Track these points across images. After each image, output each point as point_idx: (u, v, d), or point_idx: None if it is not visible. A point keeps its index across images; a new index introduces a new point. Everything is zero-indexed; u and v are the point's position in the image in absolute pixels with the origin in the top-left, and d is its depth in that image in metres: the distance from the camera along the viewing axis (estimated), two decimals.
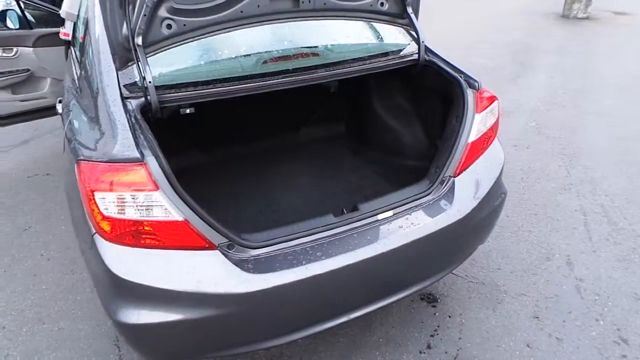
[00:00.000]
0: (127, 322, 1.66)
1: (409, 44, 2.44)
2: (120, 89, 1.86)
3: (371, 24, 2.41)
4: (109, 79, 1.91)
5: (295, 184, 2.71)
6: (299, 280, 1.75)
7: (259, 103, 2.98)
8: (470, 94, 2.18)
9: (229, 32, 1.94)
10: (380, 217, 2.00)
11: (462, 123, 2.15)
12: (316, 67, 2.15)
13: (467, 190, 2.15)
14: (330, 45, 2.26)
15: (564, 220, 3.43)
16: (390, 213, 2.02)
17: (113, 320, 1.71)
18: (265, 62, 2.09)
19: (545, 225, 3.37)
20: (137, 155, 1.59)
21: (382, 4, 2.21)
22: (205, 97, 1.94)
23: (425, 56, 2.38)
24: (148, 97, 1.79)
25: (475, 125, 2.17)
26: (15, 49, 3.84)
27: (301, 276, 1.76)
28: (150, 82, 1.77)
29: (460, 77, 2.24)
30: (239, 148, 3.07)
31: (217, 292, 1.67)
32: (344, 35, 2.39)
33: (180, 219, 1.65)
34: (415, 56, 2.33)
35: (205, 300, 1.67)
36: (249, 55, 2.08)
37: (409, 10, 2.26)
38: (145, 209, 1.61)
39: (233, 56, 2.05)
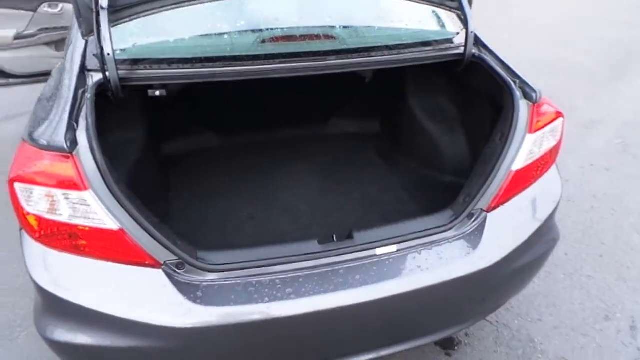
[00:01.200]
0: (43, 334, 1.41)
1: (457, 33, 1.92)
2: (84, 58, 1.57)
3: (411, 2, 1.91)
4: (75, 46, 1.62)
5: (300, 189, 2.33)
6: (255, 323, 1.39)
7: (284, 86, 2.61)
8: (523, 106, 1.66)
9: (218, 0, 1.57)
10: (379, 251, 1.58)
11: (507, 144, 1.64)
12: (330, 52, 1.72)
13: (501, 231, 1.66)
14: (352, 26, 1.81)
15: (636, 269, 2.77)
16: (393, 248, 1.59)
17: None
18: (263, 41, 1.69)
19: (612, 273, 2.73)
20: (63, 144, 1.28)
21: None
22: (180, 79, 1.60)
23: (475, 51, 1.86)
24: (106, 72, 1.47)
25: (525, 148, 1.65)
26: (60, 5, 3.75)
27: (259, 317, 1.40)
28: (109, 54, 1.45)
29: (514, 82, 1.72)
30: (255, 135, 2.73)
31: (149, 322, 1.36)
32: (373, 16, 1.92)
33: (115, 227, 1.34)
34: (461, 50, 1.82)
35: (135, 329, 1.36)
36: (243, 32, 1.69)
37: None
38: (73, 210, 1.31)
39: (222, 32, 1.66)
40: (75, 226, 1.32)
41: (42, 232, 1.34)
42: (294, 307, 1.42)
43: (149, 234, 1.38)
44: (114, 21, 1.52)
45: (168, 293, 1.39)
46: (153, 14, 1.58)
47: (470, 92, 2.10)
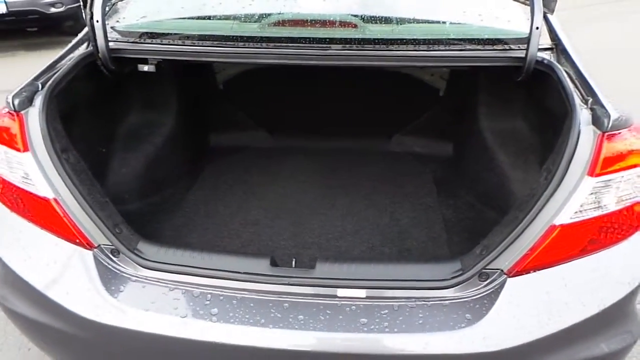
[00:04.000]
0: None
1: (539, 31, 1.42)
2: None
3: None
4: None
5: (325, 204, 2.00)
6: (160, 337, 1.18)
7: (350, 93, 2.36)
8: (587, 134, 1.13)
9: None
10: (341, 293, 1.23)
11: (552, 186, 1.13)
12: (347, 41, 1.42)
13: (524, 306, 1.16)
14: (379, 15, 1.47)
15: None
16: (361, 293, 1.22)
17: None
18: (270, 24, 1.48)
19: None
20: (11, 100, 1.25)
21: None
22: (173, 55, 1.48)
23: (546, 56, 1.37)
24: (96, 40, 1.43)
25: (580, 196, 1.12)
26: None
27: (168, 332, 1.18)
28: (98, 21, 1.39)
29: (586, 101, 1.19)
30: (309, 140, 2.50)
31: (62, 303, 1.24)
32: (410, 3, 1.55)
33: (49, 196, 1.26)
34: (522, 52, 1.35)
35: (51, 307, 1.27)
36: (249, 13, 1.50)
37: None
38: (10, 169, 1.27)
39: (225, 11, 1.50)
40: (15, 186, 1.28)
41: None
42: (208, 332, 1.17)
43: (85, 211, 1.27)
44: None
45: (90, 279, 1.27)
46: None
47: (546, 115, 1.57)
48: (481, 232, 1.78)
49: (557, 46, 1.41)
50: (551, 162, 1.20)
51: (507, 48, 1.39)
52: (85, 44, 1.53)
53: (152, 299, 1.24)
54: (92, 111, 1.75)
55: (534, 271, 1.18)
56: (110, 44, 1.47)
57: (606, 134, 1.11)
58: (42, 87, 1.32)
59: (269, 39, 1.41)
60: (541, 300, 1.16)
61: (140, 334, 1.19)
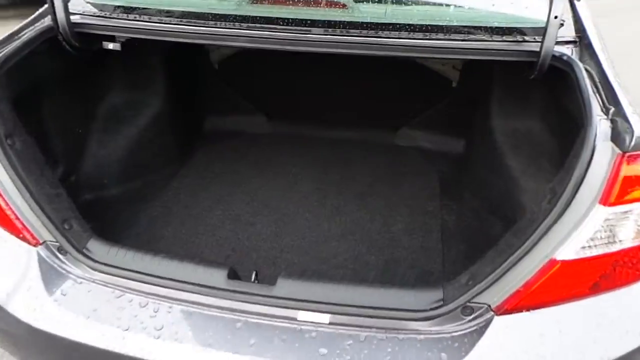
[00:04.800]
0: None
1: (562, 22, 1.19)
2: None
3: None
4: None
5: (314, 203, 1.84)
6: (96, 351, 1.06)
7: (356, 79, 2.16)
8: (603, 152, 0.92)
9: None
10: (302, 316, 1.08)
11: (555, 211, 0.94)
12: (335, 24, 1.23)
13: (511, 351, 0.98)
14: None
15: None
16: (324, 318, 1.07)
17: None
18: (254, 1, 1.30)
19: None
20: None
21: None
22: (141, 33, 1.32)
23: (566, 50, 1.15)
24: (55, 13, 1.28)
25: (590, 226, 0.92)
26: None
27: (105, 346, 1.06)
28: None
29: (607, 111, 0.98)
30: (310, 128, 2.32)
31: (1, 303, 1.14)
32: None
33: None
34: (537, 45, 1.12)
35: None
36: None
37: None
38: None
39: None
40: None
41: None
42: (147, 350, 1.04)
43: (29, 204, 1.15)
44: None
45: (31, 278, 1.16)
46: None
47: (567, 118, 1.35)
48: (480, 246, 1.59)
49: (582, 39, 1.18)
50: (558, 182, 1.00)
51: (520, 39, 1.17)
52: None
53: (95, 306, 1.13)
54: (66, 89, 1.63)
55: (527, 310, 1.00)
56: (74, 17, 1.32)
57: (627, 154, 0.90)
58: None
59: (242, 19, 1.23)
60: (532, 346, 0.98)
61: (76, 345, 1.08)
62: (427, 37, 1.17)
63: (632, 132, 0.89)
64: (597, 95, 1.03)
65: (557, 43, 1.16)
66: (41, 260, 1.18)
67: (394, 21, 1.20)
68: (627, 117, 0.93)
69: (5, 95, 1.20)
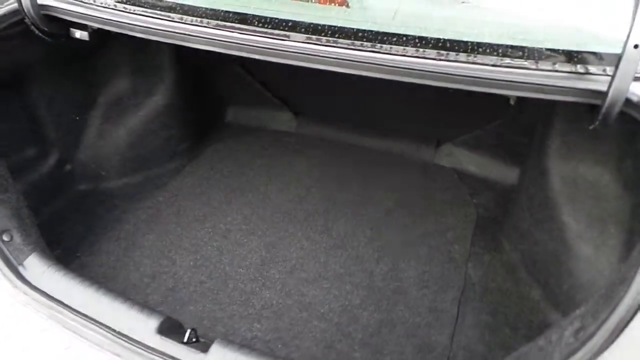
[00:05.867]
0: None
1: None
2: None
3: None
4: None
5: (318, 227, 1.57)
6: None
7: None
8: None
9: None
10: None
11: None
12: (331, 31, 0.95)
13: None
14: None
15: None
16: None
17: None
18: None
19: None
20: None
21: None
22: (103, 24, 1.14)
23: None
24: None
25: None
26: None
27: None
28: None
29: None
30: (341, 133, 2.04)
31: None
32: None
33: None
34: (604, 86, 0.76)
35: None
36: None
37: None
38: None
39: None
40: None
41: None
42: None
43: None
44: None
45: None
46: None
47: None
48: (509, 320, 1.27)
49: None
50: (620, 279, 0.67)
51: (581, 71, 0.81)
52: None
53: (17, 332, 0.99)
54: (60, 74, 1.51)
55: None
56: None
57: None
58: None
59: (212, 14, 0.99)
60: None
61: None
62: (446, 58, 0.85)
63: None
64: None
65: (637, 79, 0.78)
66: None
67: (404, 31, 0.88)
68: None
69: None
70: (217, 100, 2.09)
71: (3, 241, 1.08)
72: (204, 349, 0.91)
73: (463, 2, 0.99)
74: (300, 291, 1.35)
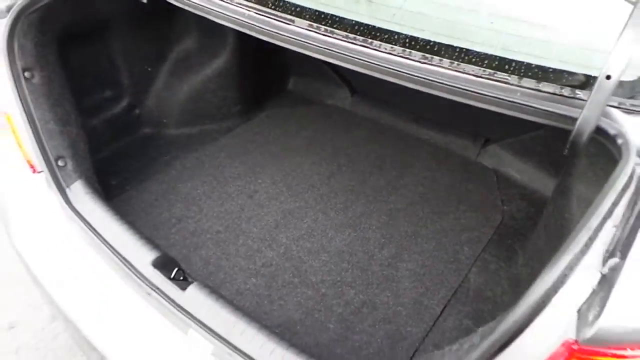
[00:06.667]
0: None
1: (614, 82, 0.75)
2: None
3: None
4: None
5: (338, 212, 1.63)
6: None
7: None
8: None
9: None
10: (190, 333, 1.00)
11: None
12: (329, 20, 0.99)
13: None
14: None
15: None
16: (208, 348, 0.98)
17: None
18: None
19: None
20: None
21: None
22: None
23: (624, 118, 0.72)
24: None
25: None
26: None
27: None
28: None
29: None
30: (390, 118, 2.05)
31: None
32: None
33: (7, 110, 1.29)
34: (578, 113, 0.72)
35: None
36: None
37: None
38: None
39: None
40: None
41: None
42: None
43: (29, 136, 1.27)
44: None
45: (25, 195, 1.32)
46: None
47: None
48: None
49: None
50: None
51: (566, 94, 0.76)
52: None
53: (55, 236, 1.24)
54: (139, 30, 1.71)
55: None
56: None
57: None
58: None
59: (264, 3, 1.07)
60: None
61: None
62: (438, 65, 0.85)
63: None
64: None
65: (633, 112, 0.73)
66: (34, 186, 1.31)
67: (395, 29, 0.90)
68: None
69: (35, 31, 1.29)
70: (280, 68, 2.20)
71: (58, 166, 1.30)
72: (183, 287, 1.05)
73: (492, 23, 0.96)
74: (300, 259, 1.45)
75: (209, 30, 1.86)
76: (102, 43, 1.64)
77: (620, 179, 0.64)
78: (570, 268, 0.61)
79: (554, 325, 0.63)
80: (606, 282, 0.61)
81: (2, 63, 1.25)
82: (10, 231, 1.32)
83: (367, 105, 2.13)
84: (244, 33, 1.90)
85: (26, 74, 1.28)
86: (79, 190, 1.30)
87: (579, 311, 0.61)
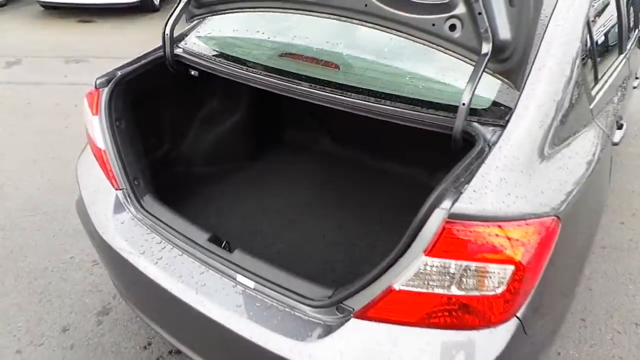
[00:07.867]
0: None
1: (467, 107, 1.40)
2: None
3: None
4: None
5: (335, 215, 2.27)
6: (124, 259, 1.71)
7: None
8: (435, 217, 1.18)
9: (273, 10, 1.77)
10: (239, 278, 1.55)
11: (397, 252, 1.23)
12: (326, 83, 1.68)
13: (354, 344, 1.31)
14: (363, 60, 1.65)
15: None
16: (250, 284, 1.53)
17: None
18: (282, 55, 1.81)
19: None
20: (95, 80, 1.89)
21: (452, 27, 1.39)
22: (214, 70, 1.96)
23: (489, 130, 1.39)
24: (165, 47, 1.99)
25: (411, 269, 1.20)
26: None
27: (129, 258, 1.71)
28: (167, 34, 1.95)
29: (456, 181, 1.23)
30: (362, 153, 2.74)
31: (92, 218, 1.89)
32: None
33: (102, 147, 1.88)
34: (452, 123, 1.40)
35: (87, 219, 1.92)
36: (272, 42, 1.86)
37: (485, 48, 1.32)
38: (91, 126, 1.92)
39: (264, 39, 1.90)
40: (90, 137, 1.94)
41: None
42: (149, 270, 1.64)
43: (116, 163, 1.85)
44: (191, 17, 1.98)
45: (109, 208, 1.87)
46: (220, 14, 1.95)
47: None
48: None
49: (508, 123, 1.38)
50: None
51: (450, 115, 1.44)
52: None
53: (134, 235, 1.77)
54: (177, 95, 2.37)
55: (375, 321, 1.30)
56: (176, 50, 2.02)
57: (448, 222, 1.15)
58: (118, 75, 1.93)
59: (272, 69, 1.78)
60: (369, 347, 1.29)
61: (115, 252, 1.75)
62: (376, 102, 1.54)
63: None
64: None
65: (485, 124, 1.40)
66: (116, 199, 1.87)
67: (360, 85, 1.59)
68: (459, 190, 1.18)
69: (123, 95, 1.92)
70: (278, 123, 2.90)
71: (135, 184, 1.88)
72: (231, 251, 1.62)
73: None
74: (302, 244, 2.04)
75: (229, 95, 2.55)
76: (155, 104, 2.28)
77: (476, 150, 1.29)
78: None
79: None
80: None
81: (102, 115, 1.88)
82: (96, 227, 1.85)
83: (343, 148, 2.82)
84: (254, 98, 2.61)
85: (117, 122, 1.89)
86: (149, 200, 1.87)
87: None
